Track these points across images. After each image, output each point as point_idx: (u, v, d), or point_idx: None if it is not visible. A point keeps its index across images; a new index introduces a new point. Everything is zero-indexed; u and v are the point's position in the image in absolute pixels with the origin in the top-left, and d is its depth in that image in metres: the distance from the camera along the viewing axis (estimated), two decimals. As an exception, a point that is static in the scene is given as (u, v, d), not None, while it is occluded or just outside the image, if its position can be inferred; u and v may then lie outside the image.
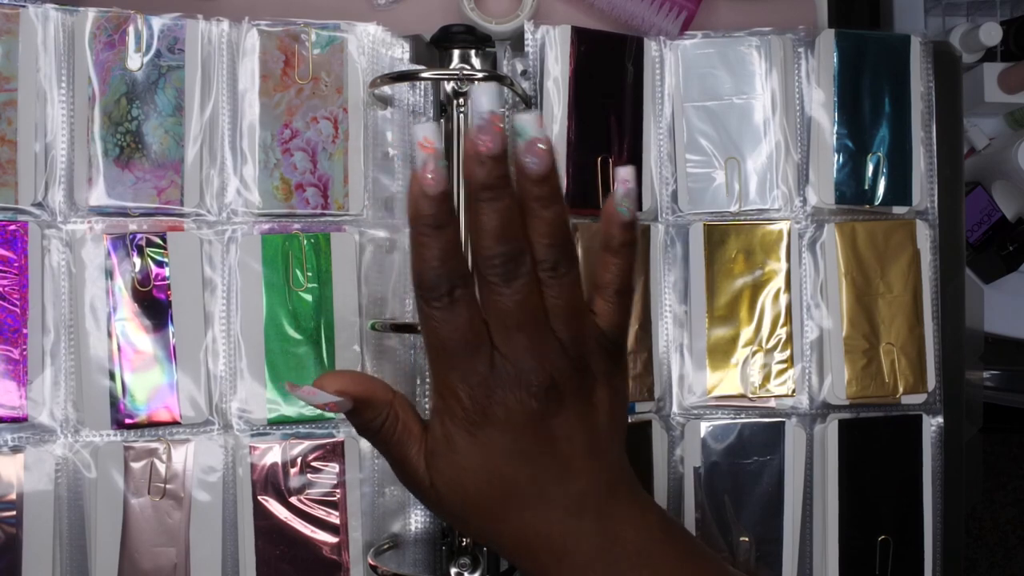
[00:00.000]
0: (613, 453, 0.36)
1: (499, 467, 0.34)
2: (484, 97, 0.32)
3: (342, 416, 0.47)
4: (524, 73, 0.50)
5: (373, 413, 0.36)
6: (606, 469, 0.35)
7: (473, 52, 0.49)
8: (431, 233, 0.33)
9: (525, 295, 0.33)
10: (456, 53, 0.49)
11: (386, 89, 0.49)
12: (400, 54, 0.50)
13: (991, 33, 0.80)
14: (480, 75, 0.47)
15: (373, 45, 0.49)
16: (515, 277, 0.33)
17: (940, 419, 0.52)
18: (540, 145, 0.33)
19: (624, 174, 0.36)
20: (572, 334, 0.35)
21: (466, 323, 0.33)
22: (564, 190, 0.48)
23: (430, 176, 0.32)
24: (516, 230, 0.33)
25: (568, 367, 0.34)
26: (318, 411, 0.47)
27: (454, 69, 0.48)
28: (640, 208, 0.50)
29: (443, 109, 0.49)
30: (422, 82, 0.49)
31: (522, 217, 0.34)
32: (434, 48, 0.50)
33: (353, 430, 0.47)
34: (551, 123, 0.49)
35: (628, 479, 0.36)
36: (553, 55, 0.49)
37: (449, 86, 0.48)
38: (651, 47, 0.51)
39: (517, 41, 0.52)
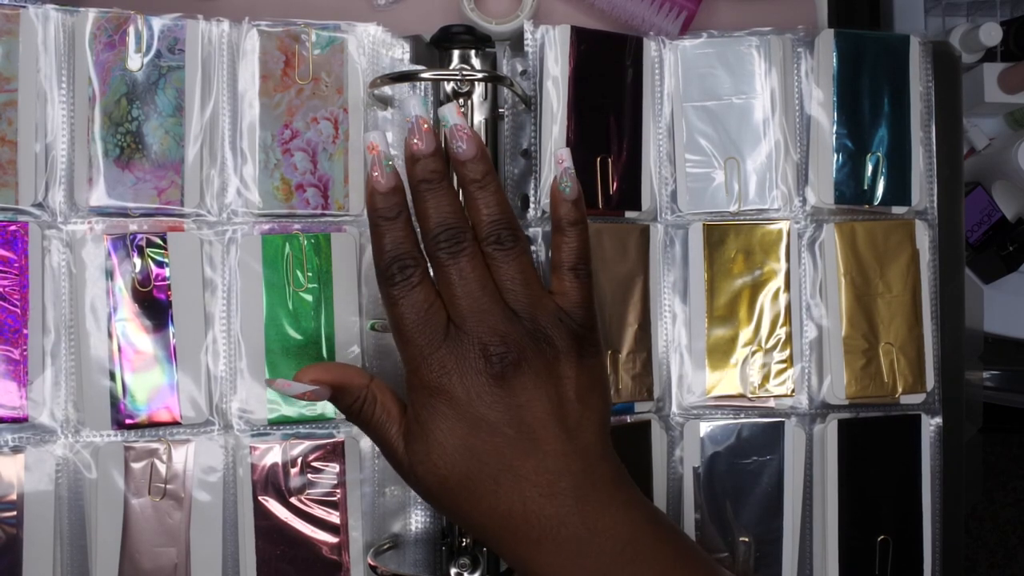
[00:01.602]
0: (587, 437, 0.36)
1: (464, 438, 0.35)
2: (410, 104, 0.37)
3: (342, 416, 0.47)
4: (524, 73, 0.50)
5: (351, 397, 0.38)
6: (580, 453, 0.36)
7: (473, 52, 0.49)
8: (385, 224, 0.37)
9: (472, 267, 0.36)
10: (456, 53, 0.49)
11: (386, 89, 0.49)
12: (400, 54, 0.50)
13: (991, 33, 0.80)
14: (480, 75, 0.47)
15: (373, 45, 0.49)
16: (460, 251, 0.36)
17: (939, 419, 0.52)
18: (463, 131, 0.37)
19: (560, 155, 0.40)
20: (525, 306, 0.37)
21: (422, 300, 0.36)
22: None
23: (377, 175, 0.37)
24: (456, 211, 0.37)
25: (522, 335, 0.36)
26: (319, 411, 0.47)
27: (454, 69, 0.48)
28: (639, 208, 0.50)
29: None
30: (422, 82, 0.49)
31: (464, 203, 0.38)
32: (434, 48, 0.50)
33: (354, 430, 0.48)
34: (551, 123, 0.49)
35: (612, 470, 0.37)
36: (553, 55, 0.49)
37: (449, 86, 0.48)
38: (650, 47, 0.51)
39: (517, 41, 0.52)
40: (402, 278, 0.36)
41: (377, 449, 0.48)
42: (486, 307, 0.36)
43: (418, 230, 0.38)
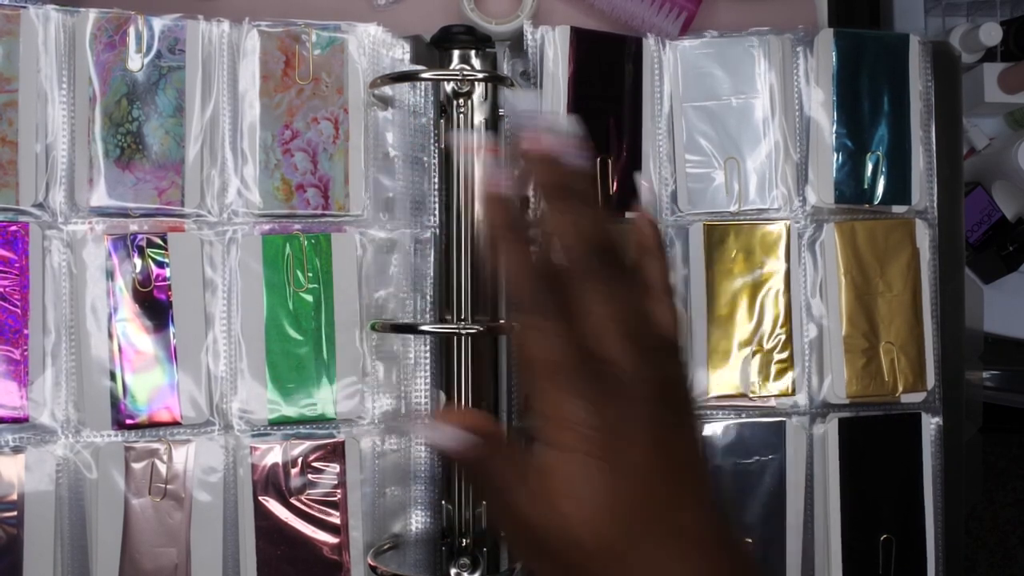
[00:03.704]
0: (712, 481, 0.32)
1: (616, 488, 0.30)
2: (519, 102, 0.33)
3: (342, 416, 0.47)
4: (524, 73, 0.50)
5: (497, 444, 0.31)
6: (707, 501, 0.31)
7: (473, 52, 0.49)
8: (517, 244, 0.31)
9: (624, 298, 0.31)
10: (456, 54, 0.49)
11: (386, 90, 0.49)
12: (400, 55, 0.50)
13: (991, 33, 0.80)
14: (480, 75, 0.47)
15: (373, 46, 0.49)
16: (611, 277, 0.31)
17: (939, 418, 0.52)
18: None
19: (643, 179, 0.36)
20: (662, 341, 0.32)
21: (566, 339, 0.30)
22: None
23: (504, 181, 0.31)
24: (609, 229, 0.32)
25: (676, 373, 0.32)
26: (319, 411, 0.47)
27: (454, 70, 0.48)
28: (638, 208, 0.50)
29: (443, 110, 0.49)
30: (422, 83, 0.49)
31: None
32: (434, 48, 0.50)
33: (354, 430, 0.48)
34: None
35: (724, 515, 0.32)
36: (553, 55, 0.49)
37: (449, 87, 0.48)
38: (650, 47, 0.51)
39: (517, 42, 0.52)
40: (541, 308, 0.30)
41: (377, 449, 0.48)
42: (647, 345, 0.31)
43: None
